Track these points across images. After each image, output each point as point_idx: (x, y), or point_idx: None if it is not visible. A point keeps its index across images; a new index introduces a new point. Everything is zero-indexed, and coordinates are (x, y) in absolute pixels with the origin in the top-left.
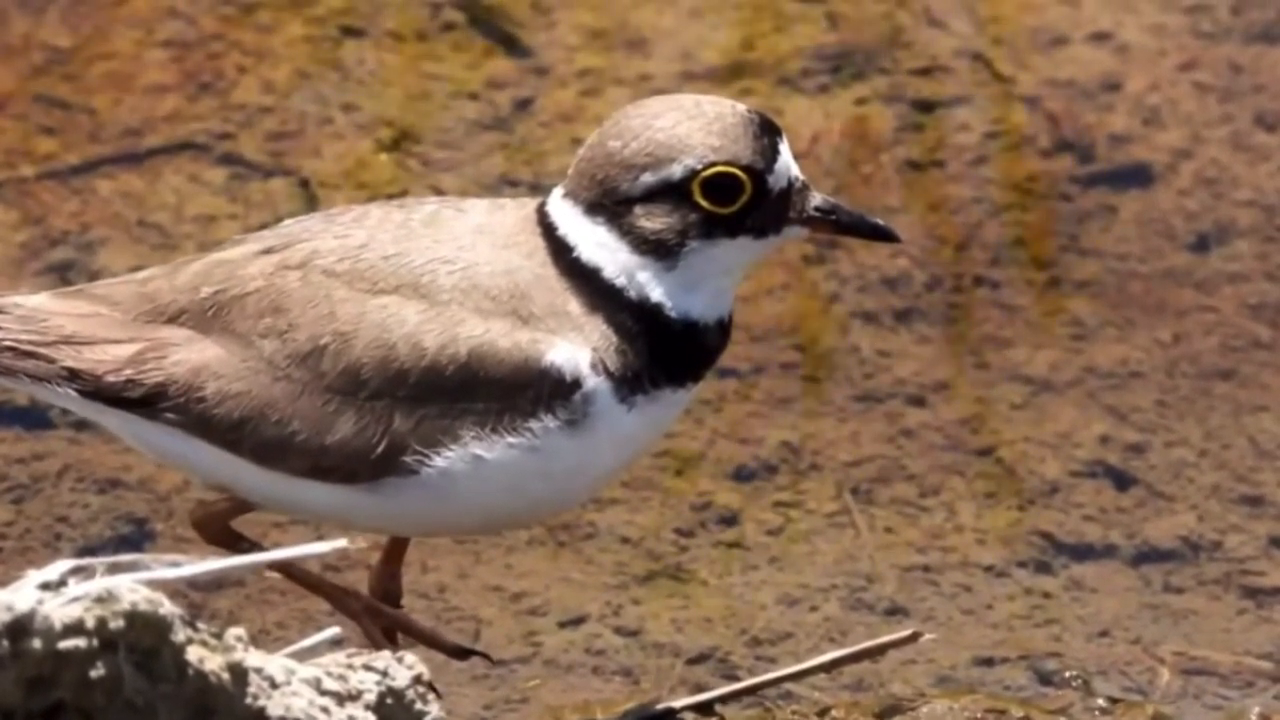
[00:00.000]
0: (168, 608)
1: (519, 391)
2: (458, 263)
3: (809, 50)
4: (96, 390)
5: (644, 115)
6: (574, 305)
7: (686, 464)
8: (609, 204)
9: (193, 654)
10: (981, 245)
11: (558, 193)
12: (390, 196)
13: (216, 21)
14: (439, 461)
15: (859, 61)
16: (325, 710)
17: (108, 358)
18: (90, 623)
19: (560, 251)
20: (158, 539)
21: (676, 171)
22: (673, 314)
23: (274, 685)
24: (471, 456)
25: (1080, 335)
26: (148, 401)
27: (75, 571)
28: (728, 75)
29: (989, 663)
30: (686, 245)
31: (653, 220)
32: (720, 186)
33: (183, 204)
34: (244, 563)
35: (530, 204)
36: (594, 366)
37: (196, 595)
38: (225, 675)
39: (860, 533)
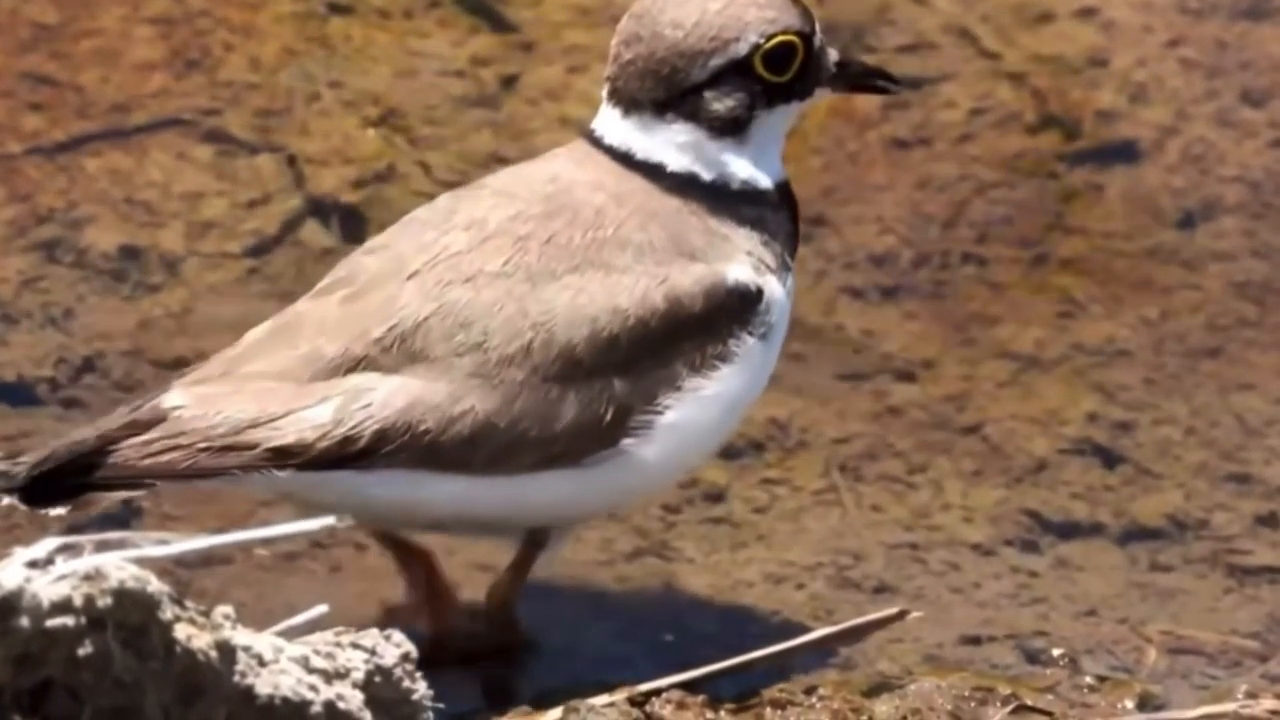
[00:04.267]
0: (155, 585)
1: (716, 321)
2: (607, 224)
3: None
4: (313, 459)
5: (688, 3)
6: (705, 218)
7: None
8: (677, 96)
9: (180, 632)
10: (968, 222)
11: (611, 117)
12: (378, 174)
13: None
14: (665, 414)
15: (845, 38)
16: (313, 688)
17: (311, 425)
18: (78, 601)
19: (652, 173)
20: (145, 516)
21: (742, 49)
22: (764, 184)
23: (262, 663)
24: (691, 398)
25: (1067, 313)
26: (370, 451)
27: (63, 549)
28: None
29: (976, 641)
30: (755, 117)
31: (723, 101)
32: (779, 56)
33: (170, 181)
34: (232, 540)
35: (581, 146)
36: (759, 270)
37: (184, 573)
38: (213, 653)
39: (847, 510)
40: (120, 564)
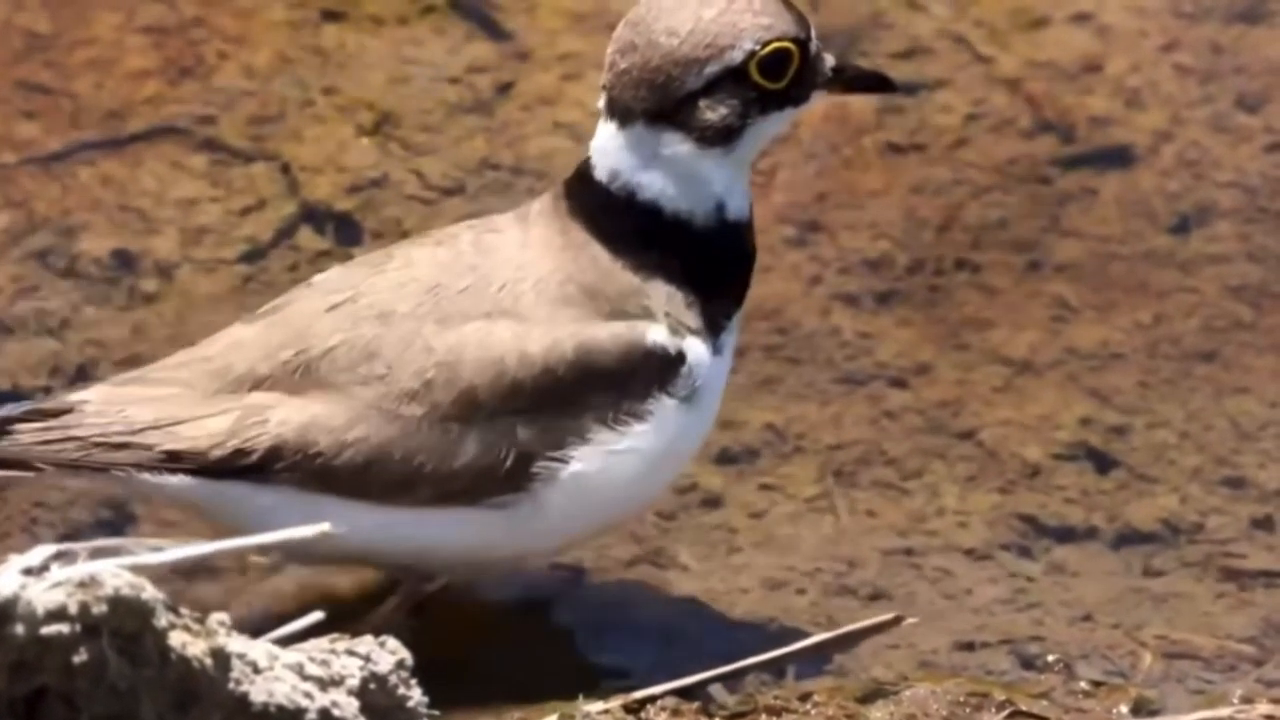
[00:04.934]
0: (150, 593)
1: (631, 378)
2: (528, 277)
3: None
4: (203, 466)
5: (682, 10)
6: (643, 275)
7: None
8: (671, 105)
9: (175, 639)
10: (963, 228)
11: (606, 132)
12: (372, 181)
13: (197, 6)
14: (571, 463)
15: (840, 43)
16: (308, 695)
17: (206, 432)
18: (73, 608)
19: (614, 222)
20: (139, 524)
21: (738, 56)
22: (730, 216)
23: (257, 670)
24: (601, 452)
25: (1061, 317)
26: (261, 466)
27: (58, 557)
28: None
29: (971, 647)
30: (747, 125)
31: (716, 109)
32: (774, 62)
33: (164, 189)
34: (226, 547)
35: (545, 198)
36: (689, 333)
37: (179, 580)
38: (208, 660)
39: (842, 517)
40: (115, 571)
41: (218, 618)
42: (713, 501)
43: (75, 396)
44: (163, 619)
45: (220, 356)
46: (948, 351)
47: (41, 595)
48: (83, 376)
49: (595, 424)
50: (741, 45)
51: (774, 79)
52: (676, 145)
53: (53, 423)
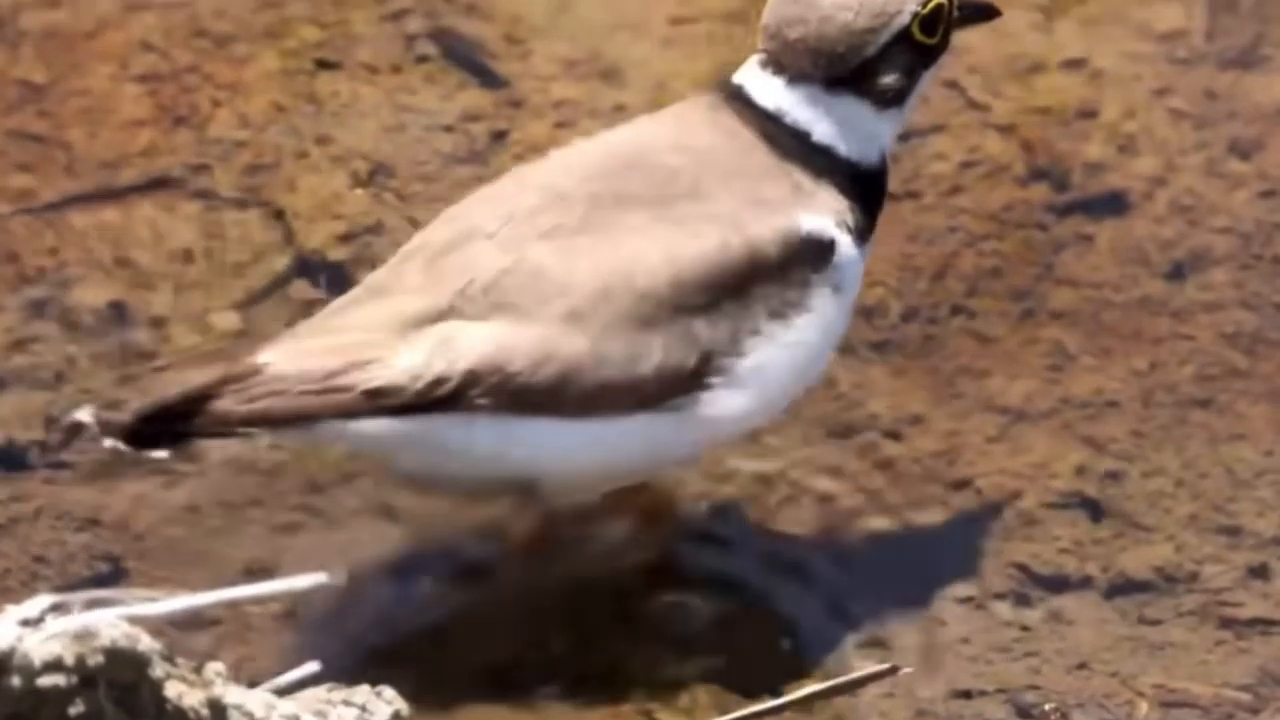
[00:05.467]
0: (146, 643)
1: (792, 268)
2: (684, 178)
3: None
4: (405, 402)
5: None
6: (798, 177)
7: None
8: (848, 73)
9: (171, 690)
10: (958, 275)
11: (772, 84)
12: (366, 230)
13: (191, 54)
14: (747, 357)
15: None
16: None
17: (402, 368)
18: (69, 659)
19: (775, 133)
20: (134, 577)
21: (904, 19)
22: (887, 160)
23: None
24: (772, 343)
25: (1056, 365)
26: (459, 393)
27: (54, 608)
28: None
29: (967, 695)
30: (913, 84)
31: (891, 73)
32: (932, 19)
33: (159, 239)
34: (222, 598)
35: (690, 109)
36: (839, 226)
37: (174, 632)
38: (205, 711)
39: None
40: (111, 622)
41: (214, 668)
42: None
43: (258, 358)
44: (159, 669)
45: (392, 299)
46: (943, 400)
47: (38, 646)
48: (79, 430)
49: (765, 316)
50: (906, 9)
51: (932, 34)
52: (853, 108)
53: (246, 384)
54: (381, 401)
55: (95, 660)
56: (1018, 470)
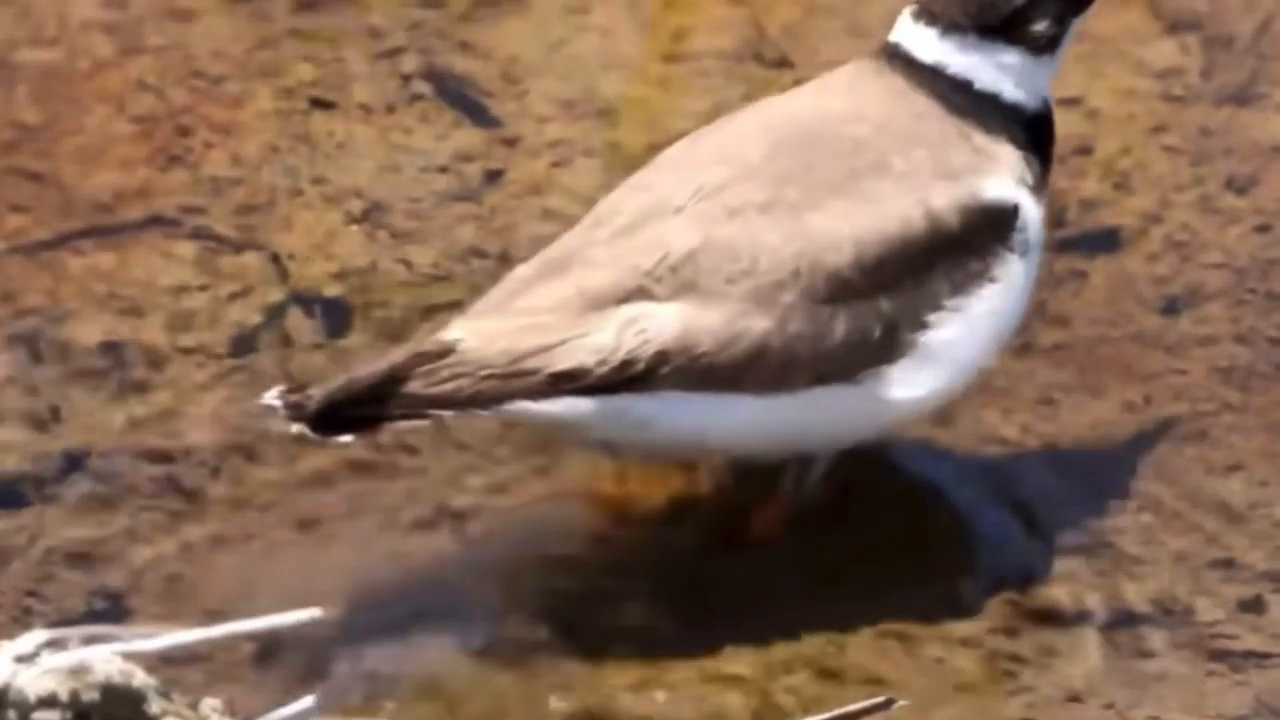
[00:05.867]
0: (141, 679)
1: (976, 237)
2: (866, 151)
3: None
4: (592, 383)
5: None
6: (974, 136)
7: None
8: (1000, 21)
9: None
10: None
11: (926, 36)
12: (361, 270)
13: (186, 94)
14: (932, 330)
15: None
16: None
17: (589, 349)
18: (64, 695)
19: (944, 90)
20: (129, 613)
21: None
22: (1049, 106)
23: None
24: (959, 316)
25: (1050, 400)
26: (648, 374)
27: (49, 644)
28: None
29: None
30: (1064, 30)
31: (1043, 20)
32: None
33: (153, 278)
34: (217, 634)
35: (854, 73)
36: (1020, 185)
37: (169, 668)
38: None
39: (833, 599)
40: (106, 658)
41: (210, 703)
42: (698, 583)
43: (449, 335)
44: (154, 705)
45: (578, 276)
46: (937, 434)
47: (33, 682)
48: (74, 467)
49: (951, 290)
50: None
51: None
52: (1008, 56)
53: (437, 365)
54: (569, 384)
55: (90, 696)
56: (1013, 504)
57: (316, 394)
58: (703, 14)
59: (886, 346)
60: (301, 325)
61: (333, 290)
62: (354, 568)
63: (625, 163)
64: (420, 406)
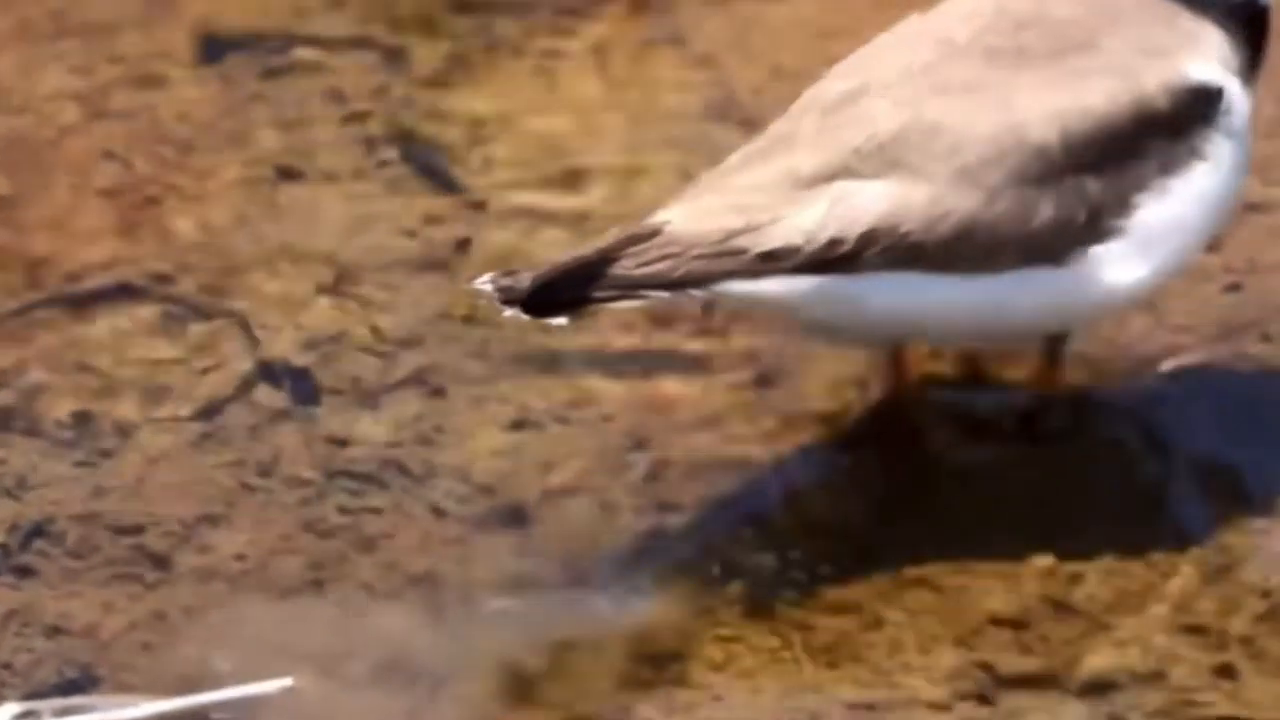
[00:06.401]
0: None
1: (1183, 119)
2: (1076, 30)
3: None
4: (800, 263)
5: None
6: (1182, 20)
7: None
8: None
9: None
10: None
11: None
12: (330, 337)
13: (153, 164)
14: (1138, 211)
15: None
16: None
17: (798, 228)
18: None
19: None
20: (102, 684)
21: None
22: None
23: None
24: (1167, 199)
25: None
26: (855, 253)
27: (24, 716)
28: None
29: None
30: None
31: None
32: None
33: (122, 347)
34: (190, 704)
35: None
36: (1226, 69)
37: None
38: None
39: (803, 668)
40: None
41: None
42: (671, 655)
43: (658, 217)
44: None
45: (785, 156)
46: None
47: None
48: (41, 535)
49: (1157, 171)
50: None
51: None
52: None
53: (647, 245)
54: (776, 264)
55: None
56: (984, 569)
57: (527, 276)
58: (670, 77)
59: (1094, 228)
60: (270, 392)
61: (301, 358)
62: (325, 637)
63: (593, 228)
64: (630, 286)
